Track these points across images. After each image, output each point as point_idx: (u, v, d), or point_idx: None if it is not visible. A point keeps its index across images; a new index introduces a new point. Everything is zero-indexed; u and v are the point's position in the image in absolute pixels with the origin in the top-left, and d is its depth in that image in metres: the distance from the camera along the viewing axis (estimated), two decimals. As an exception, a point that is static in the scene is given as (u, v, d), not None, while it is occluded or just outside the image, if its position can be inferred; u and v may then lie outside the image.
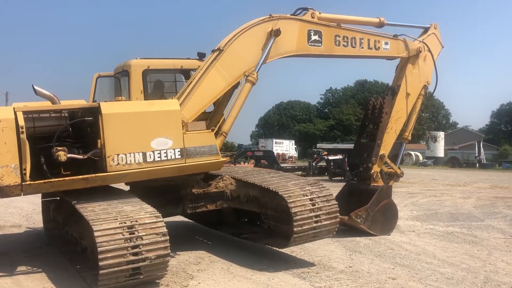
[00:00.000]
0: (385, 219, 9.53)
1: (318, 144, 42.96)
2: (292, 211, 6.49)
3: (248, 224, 8.57)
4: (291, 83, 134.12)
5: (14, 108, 5.96)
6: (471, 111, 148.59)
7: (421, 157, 59.63)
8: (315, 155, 33.06)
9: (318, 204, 6.76)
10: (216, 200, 7.74)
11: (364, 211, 9.18)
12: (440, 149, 63.00)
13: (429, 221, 11.66)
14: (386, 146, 9.90)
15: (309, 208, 6.67)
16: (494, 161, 58.56)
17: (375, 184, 9.72)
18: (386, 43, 9.77)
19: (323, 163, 30.69)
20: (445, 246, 8.68)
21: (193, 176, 7.49)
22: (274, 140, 56.06)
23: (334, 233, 7.23)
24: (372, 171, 9.72)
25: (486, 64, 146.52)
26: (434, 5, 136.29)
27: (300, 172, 32.53)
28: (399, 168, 10.23)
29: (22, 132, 5.78)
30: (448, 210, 13.96)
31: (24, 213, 11.75)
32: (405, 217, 12.25)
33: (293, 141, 60.30)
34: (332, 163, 27.75)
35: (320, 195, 6.92)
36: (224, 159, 7.43)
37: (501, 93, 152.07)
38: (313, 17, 8.72)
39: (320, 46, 8.75)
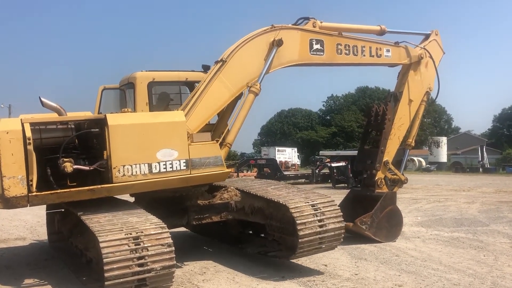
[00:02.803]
0: (390, 225, 9.50)
1: (320, 151, 42.96)
2: (298, 222, 6.46)
3: (252, 236, 8.48)
4: (292, 90, 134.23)
5: (21, 119, 6.00)
6: (473, 115, 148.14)
7: (424, 163, 59.51)
8: (318, 163, 33.03)
9: (324, 216, 6.73)
10: (220, 211, 7.74)
11: (369, 218, 9.16)
12: (443, 154, 62.87)
13: (434, 227, 11.61)
14: (389, 153, 9.93)
15: (314, 219, 6.63)
16: (497, 165, 58.33)
17: (380, 191, 9.72)
18: (388, 50, 9.82)
19: (326, 171, 30.66)
20: (450, 252, 8.64)
21: (198, 187, 7.52)
22: (277, 148, 56.05)
23: (338, 245, 7.19)
24: (376, 178, 9.73)
25: (487, 68, 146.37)
26: (434, 10, 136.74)
27: (303, 180, 32.52)
28: (402, 174, 10.23)
29: (29, 144, 5.82)
30: (453, 215, 13.91)
31: (29, 225, 11.76)
32: (410, 223, 12.20)
33: (296, 149, 60.24)
34: (335, 170, 27.72)
35: (326, 207, 6.89)
36: (229, 170, 7.43)
37: (503, 97, 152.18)
38: (314, 26, 8.80)
39: (322, 55, 8.81)
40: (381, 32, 9.97)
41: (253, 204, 7.56)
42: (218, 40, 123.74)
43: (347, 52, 9.15)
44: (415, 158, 58.96)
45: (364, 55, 9.44)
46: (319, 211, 6.75)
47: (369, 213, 9.18)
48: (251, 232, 8.70)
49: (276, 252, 7.24)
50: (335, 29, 9.14)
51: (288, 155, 55.71)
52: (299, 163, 57.50)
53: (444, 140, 64.82)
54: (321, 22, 8.92)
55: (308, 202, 6.84)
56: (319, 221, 6.66)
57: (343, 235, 7.00)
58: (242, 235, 8.51)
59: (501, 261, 7.85)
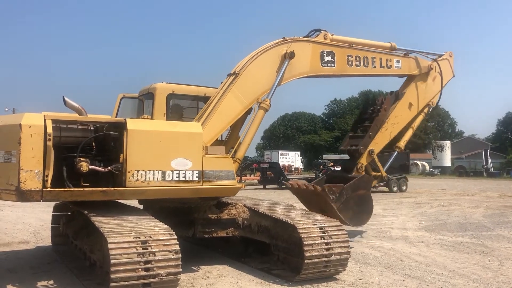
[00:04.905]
0: (358, 209, 9.01)
1: (324, 155, 42.91)
2: (305, 243, 6.41)
3: (256, 253, 8.28)
4: (295, 94, 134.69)
5: (44, 115, 6.04)
6: (477, 119, 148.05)
7: (427, 167, 59.43)
8: (321, 166, 32.96)
9: (331, 240, 6.67)
10: (227, 227, 7.75)
11: (339, 189, 8.68)
12: (446, 158, 62.80)
13: (438, 232, 11.57)
14: (377, 144, 9.82)
15: (321, 242, 6.57)
16: (501, 169, 58.20)
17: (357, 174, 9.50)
18: (398, 61, 9.94)
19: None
20: (455, 256, 8.60)
21: (207, 200, 7.54)
22: (280, 152, 55.99)
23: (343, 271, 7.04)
24: (358, 162, 9.56)
25: (491, 72, 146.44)
26: (437, 14, 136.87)
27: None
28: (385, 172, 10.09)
29: (49, 140, 5.87)
30: (457, 220, 13.86)
31: (32, 229, 11.76)
32: (414, 228, 12.16)
33: (299, 153, 60.18)
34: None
35: (334, 231, 6.82)
36: (240, 185, 7.42)
37: (507, 101, 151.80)
38: (325, 39, 8.88)
39: (333, 66, 8.89)
40: (392, 49, 10.01)
41: (260, 223, 7.55)
42: (229, 54, 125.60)
43: (357, 63, 9.24)
44: (419, 162, 58.91)
45: (375, 66, 9.54)
46: (326, 234, 6.69)
47: (340, 185, 8.75)
48: (254, 250, 8.51)
49: (279, 271, 7.15)
50: (346, 42, 9.22)
51: (291, 159, 55.64)
52: (302, 167, 57.43)
53: (447, 144, 64.78)
54: (332, 35, 9.00)
55: (316, 224, 6.80)
56: (326, 244, 6.60)
57: (347, 261, 6.89)
58: (246, 252, 8.44)
59: (506, 266, 7.81)
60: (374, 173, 9.93)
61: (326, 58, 8.76)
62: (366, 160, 9.70)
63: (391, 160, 10.63)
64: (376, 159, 9.86)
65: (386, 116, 9.91)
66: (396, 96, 10.28)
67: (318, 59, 8.68)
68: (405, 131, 10.45)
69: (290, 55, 8.12)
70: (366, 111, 10.37)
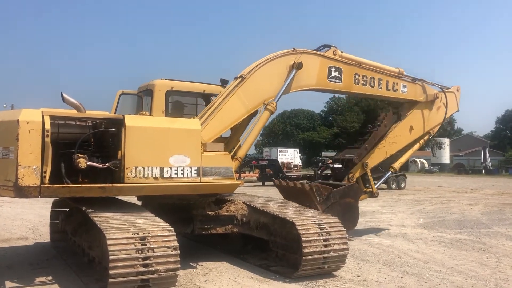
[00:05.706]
0: (343, 217, 8.59)
1: (323, 153, 42.95)
2: (303, 240, 6.42)
3: (255, 249, 8.31)
4: (295, 92, 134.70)
5: (42, 111, 6.03)
6: (476, 117, 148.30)
7: (426, 164, 59.47)
8: (320, 164, 32.94)
9: (329, 236, 6.67)
10: (226, 223, 7.76)
11: (327, 192, 8.76)
12: (445, 156, 62.86)
13: (437, 229, 11.60)
14: (372, 159, 9.93)
15: (320, 238, 6.58)
16: (500, 167, 58.34)
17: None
18: (404, 86, 10.03)
19: (328, 171, 30.53)
20: (453, 253, 8.62)
21: (206, 196, 7.55)
22: (279, 149, 55.97)
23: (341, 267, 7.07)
24: (351, 172, 9.65)
25: (490, 69, 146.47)
26: (440, 12, 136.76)
27: (305, 181, 32.43)
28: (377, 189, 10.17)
29: (47, 136, 5.88)
30: (456, 217, 13.91)
31: (31, 225, 11.76)
32: (412, 225, 12.20)
33: (298, 150, 60.16)
34: (337, 171, 27.62)
35: (332, 227, 6.84)
36: (239, 182, 7.43)
37: (506, 99, 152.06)
38: (335, 55, 8.93)
39: (339, 82, 8.98)
40: (399, 75, 10.03)
41: (258, 219, 7.57)
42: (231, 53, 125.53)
43: (364, 82, 9.33)
44: (418, 159, 58.93)
45: (381, 88, 9.62)
46: (325, 230, 6.70)
47: (329, 187, 8.84)
48: (253, 247, 8.50)
49: (278, 268, 7.17)
50: (355, 61, 9.27)
51: (290, 156, 55.62)
52: (301, 164, 57.44)
53: (446, 141, 64.82)
54: (341, 52, 9.05)
55: (314, 221, 6.82)
56: (324, 240, 6.61)
57: (346, 257, 6.91)
58: (244, 249, 8.45)
59: (504, 263, 7.83)
60: (365, 189, 9.98)
61: (334, 74, 8.84)
62: (359, 172, 9.80)
63: (383, 179, 10.84)
64: (369, 174, 9.94)
65: (385, 131, 9.98)
66: (399, 116, 10.35)
67: (326, 73, 8.76)
68: (402, 153, 10.49)
69: (298, 66, 8.19)
70: (367, 125, 10.41)
